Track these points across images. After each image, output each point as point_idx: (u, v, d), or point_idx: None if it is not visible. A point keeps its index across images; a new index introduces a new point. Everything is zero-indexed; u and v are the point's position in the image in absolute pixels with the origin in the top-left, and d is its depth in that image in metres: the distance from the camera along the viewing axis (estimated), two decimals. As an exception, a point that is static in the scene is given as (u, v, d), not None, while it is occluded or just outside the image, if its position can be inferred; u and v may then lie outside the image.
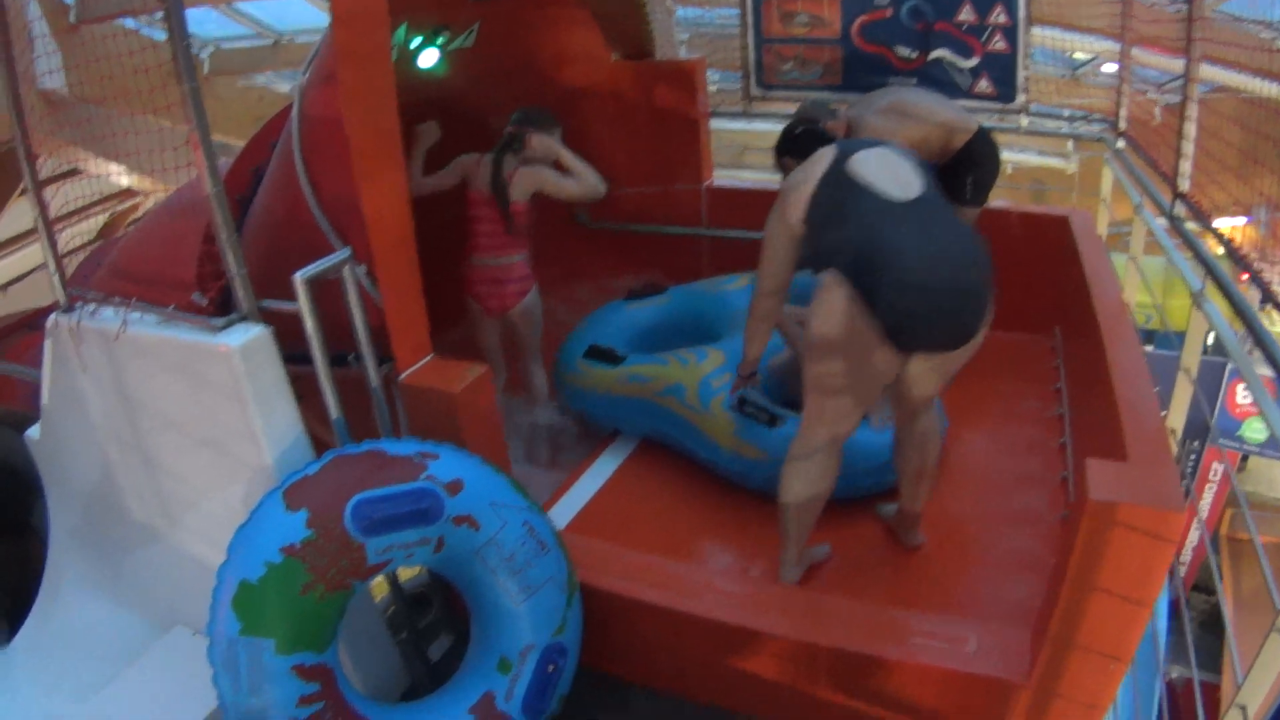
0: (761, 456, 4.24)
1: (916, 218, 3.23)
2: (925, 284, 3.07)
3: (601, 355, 5.01)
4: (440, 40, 5.20)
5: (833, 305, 3.18)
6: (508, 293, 4.98)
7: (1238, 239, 3.69)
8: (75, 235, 4.19)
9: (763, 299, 3.76)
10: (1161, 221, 4.60)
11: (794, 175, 3.54)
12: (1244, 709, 2.46)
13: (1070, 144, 9.98)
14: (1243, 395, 9.87)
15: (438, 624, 4.02)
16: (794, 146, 3.87)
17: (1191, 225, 4.20)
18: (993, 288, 3.24)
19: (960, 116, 4.96)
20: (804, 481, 3.53)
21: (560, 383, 5.21)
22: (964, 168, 4.87)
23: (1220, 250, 3.83)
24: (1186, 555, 10.13)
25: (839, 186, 3.34)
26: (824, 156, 3.45)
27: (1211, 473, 10.17)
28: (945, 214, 3.34)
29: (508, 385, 5.38)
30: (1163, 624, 4.76)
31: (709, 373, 4.59)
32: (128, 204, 8.02)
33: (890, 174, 3.35)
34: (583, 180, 4.93)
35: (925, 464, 3.71)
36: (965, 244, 3.23)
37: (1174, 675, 8.35)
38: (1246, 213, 3.76)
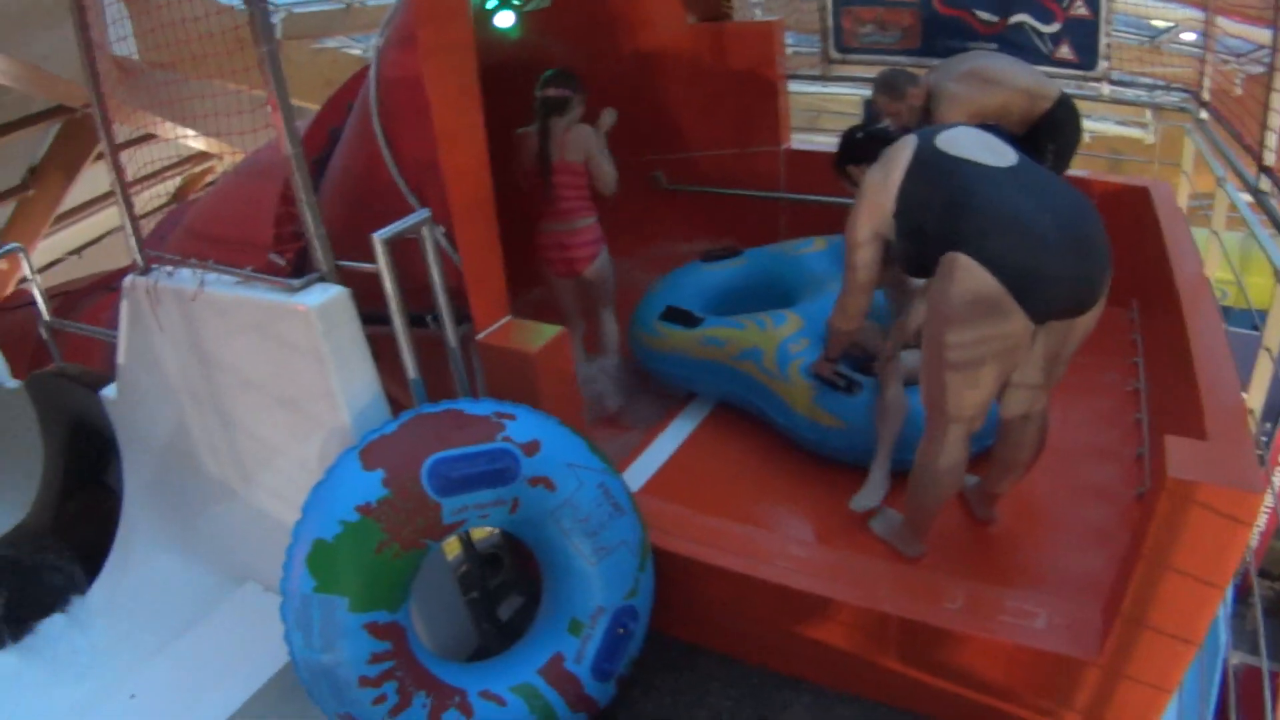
0: (839, 424, 4.21)
1: (1021, 181, 3.13)
2: (1046, 238, 2.96)
3: (678, 317, 4.99)
4: (517, 1, 5.19)
5: (959, 278, 3.05)
6: (577, 257, 5.00)
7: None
8: (151, 198, 4.24)
9: (851, 294, 3.71)
10: (1245, 196, 4.50)
11: (872, 173, 3.44)
12: None
13: (1149, 113, 9.79)
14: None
15: (509, 584, 4.05)
16: (859, 153, 3.73)
17: (1277, 201, 4.10)
18: (1108, 245, 3.12)
19: (1042, 82, 4.87)
20: (940, 454, 3.41)
21: (636, 343, 5.20)
22: (1045, 135, 4.78)
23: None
24: (1254, 539, 9.94)
25: (933, 168, 3.25)
26: (905, 145, 3.36)
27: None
28: (1047, 175, 3.25)
29: (585, 344, 5.41)
30: (1226, 609, 4.69)
31: (787, 337, 4.55)
32: (202, 167, 8.13)
33: (982, 145, 3.27)
34: (608, 170, 4.97)
35: (1023, 458, 3.64)
36: (1076, 200, 3.13)
37: (1235, 661, 8.22)
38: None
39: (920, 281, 3.67)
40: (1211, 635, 3.99)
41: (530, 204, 4.98)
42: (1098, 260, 3.06)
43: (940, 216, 3.15)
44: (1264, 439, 9.76)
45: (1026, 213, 3.00)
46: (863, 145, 3.72)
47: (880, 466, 4.04)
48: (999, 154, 3.23)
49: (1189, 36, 6.51)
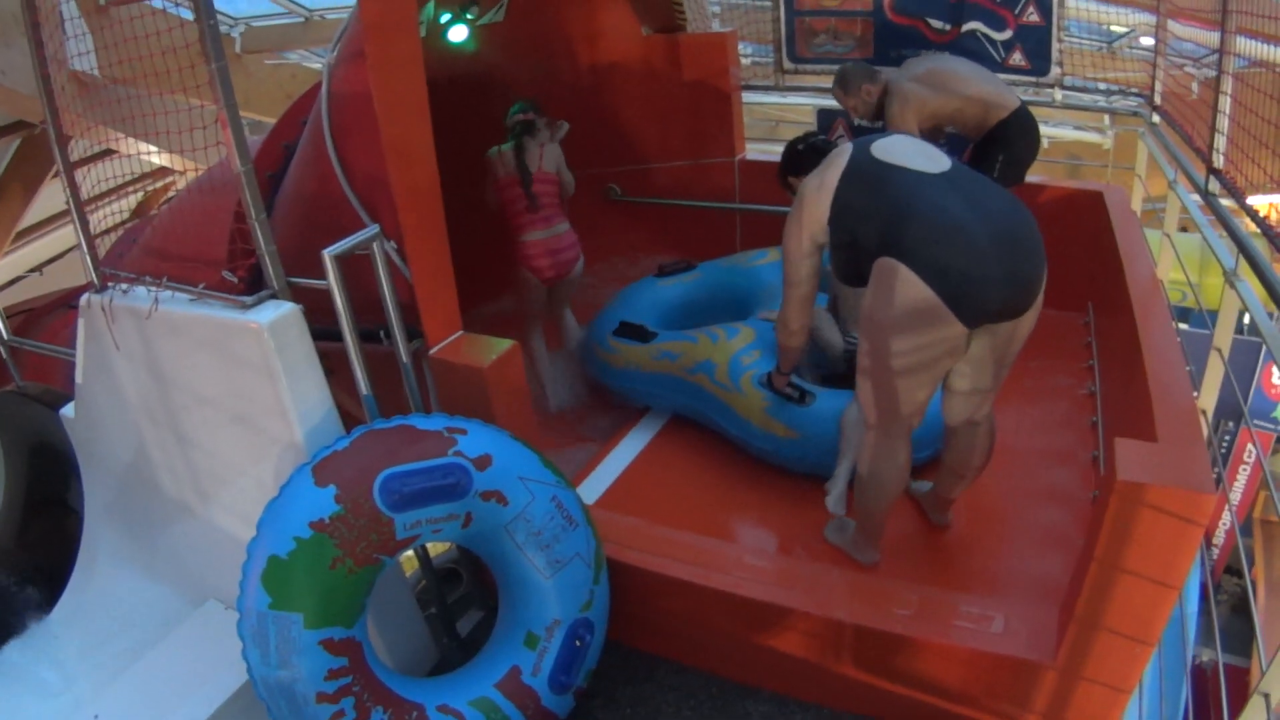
0: (793, 435, 4.23)
1: (955, 185, 3.14)
2: (977, 243, 2.98)
3: (632, 332, 5.02)
4: (470, 15, 5.21)
5: (892, 284, 3.07)
6: (565, 260, 5.21)
7: (1275, 217, 3.62)
8: (110, 214, 4.22)
9: (792, 309, 3.72)
10: (1196, 198, 4.54)
11: (808, 182, 3.46)
12: (1267, 696, 2.43)
13: (1107, 118, 9.88)
14: (1279, 376, 9.73)
15: (468, 599, 4.06)
16: (799, 164, 3.76)
17: (1227, 202, 4.13)
18: (1043, 247, 3.15)
19: (1001, 91, 4.90)
20: (878, 458, 3.44)
21: (591, 359, 5.23)
22: (996, 146, 4.81)
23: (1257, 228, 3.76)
24: (1220, 537, 10.03)
25: (868, 175, 3.26)
26: (840, 154, 3.38)
27: (1246, 454, 10.06)
28: (981, 180, 3.26)
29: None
30: (1192, 607, 4.72)
31: (739, 349, 4.57)
32: (161, 183, 8.09)
33: (917, 151, 3.29)
34: (570, 178, 5.35)
35: (973, 464, 3.65)
36: (1009, 204, 3.15)
37: (1204, 659, 8.29)
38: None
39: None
40: (1175, 633, 4.01)
41: (488, 220, 5.08)
42: (1031, 263, 3.08)
43: (874, 223, 3.16)
44: (1226, 439, 9.87)
45: (959, 218, 3.02)
46: (803, 156, 3.75)
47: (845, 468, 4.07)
48: (933, 160, 3.25)
49: (1147, 41, 6.57)
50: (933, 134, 4.98)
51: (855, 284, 3.32)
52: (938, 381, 3.28)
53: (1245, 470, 10.17)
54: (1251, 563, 10.07)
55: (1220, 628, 3.93)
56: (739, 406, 4.43)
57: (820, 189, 3.36)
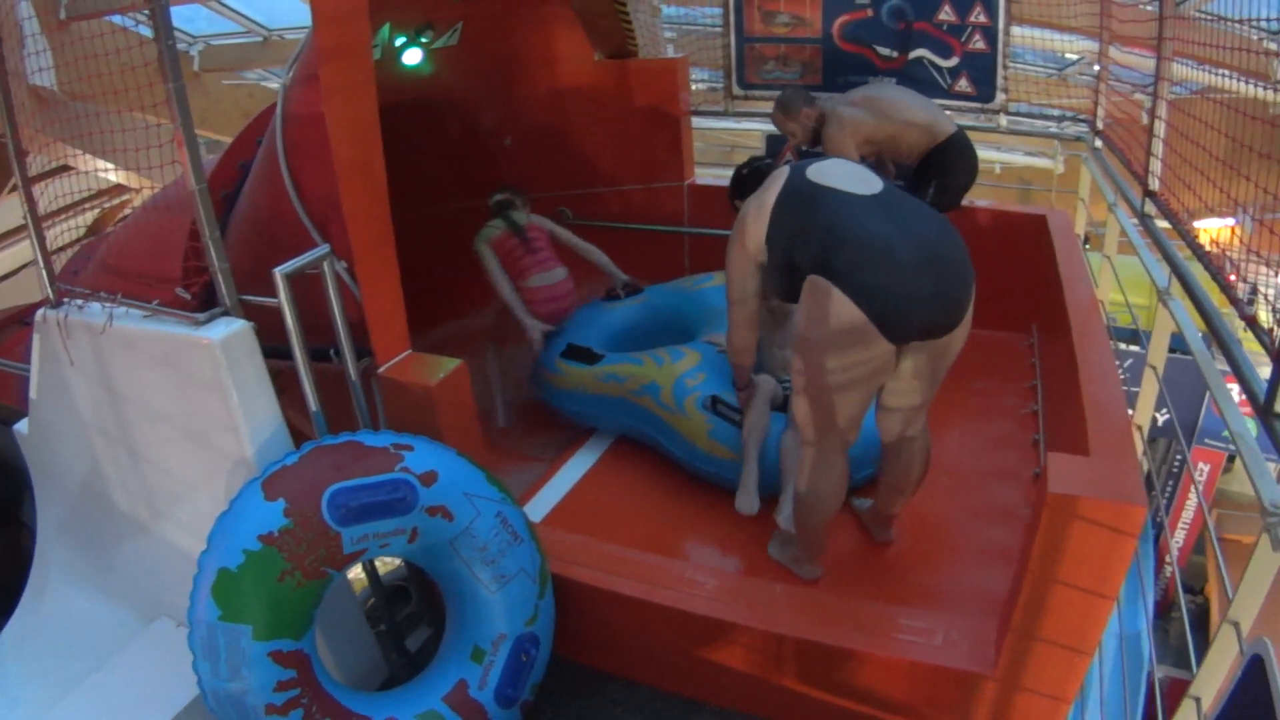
0: (734, 457, 4.29)
1: (885, 207, 3.24)
2: (905, 264, 3.06)
3: (579, 354, 5.06)
4: (424, 39, 5.26)
5: (822, 305, 3.16)
6: (564, 307, 5.47)
7: (1221, 240, 3.70)
8: (66, 231, 4.23)
9: (739, 313, 3.79)
10: (1135, 221, 4.64)
11: (747, 204, 3.57)
12: (1237, 625, 2.50)
13: (1057, 144, 10.02)
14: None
15: (417, 616, 4.08)
16: (744, 187, 3.88)
17: (1165, 225, 4.23)
18: (971, 266, 3.23)
19: (933, 120, 4.96)
20: (816, 475, 3.49)
21: (539, 381, 5.27)
22: (930, 173, 4.87)
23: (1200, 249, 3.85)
24: (1174, 555, 10.14)
25: (801, 196, 3.36)
26: (778, 177, 3.49)
27: (1198, 473, 10.19)
28: (911, 202, 3.36)
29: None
30: (1144, 622, 4.79)
31: (684, 372, 4.62)
32: (118, 200, 8.06)
33: (849, 174, 3.39)
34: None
35: (910, 478, 3.73)
36: (937, 224, 3.25)
37: (1160, 675, 8.36)
38: (1232, 214, 3.77)
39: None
40: (1134, 649, 4.09)
41: (442, 244, 5.15)
42: (958, 283, 3.17)
43: (807, 243, 3.25)
44: (1178, 458, 10.01)
45: (887, 239, 3.10)
46: (747, 179, 3.89)
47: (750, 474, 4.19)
48: (865, 183, 3.35)
49: (1097, 68, 6.68)
50: (877, 162, 5.04)
51: (793, 300, 3.39)
52: (871, 396, 3.36)
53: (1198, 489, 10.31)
54: (1205, 580, 10.21)
55: (1174, 645, 4.00)
56: (683, 428, 4.49)
57: (759, 211, 3.46)
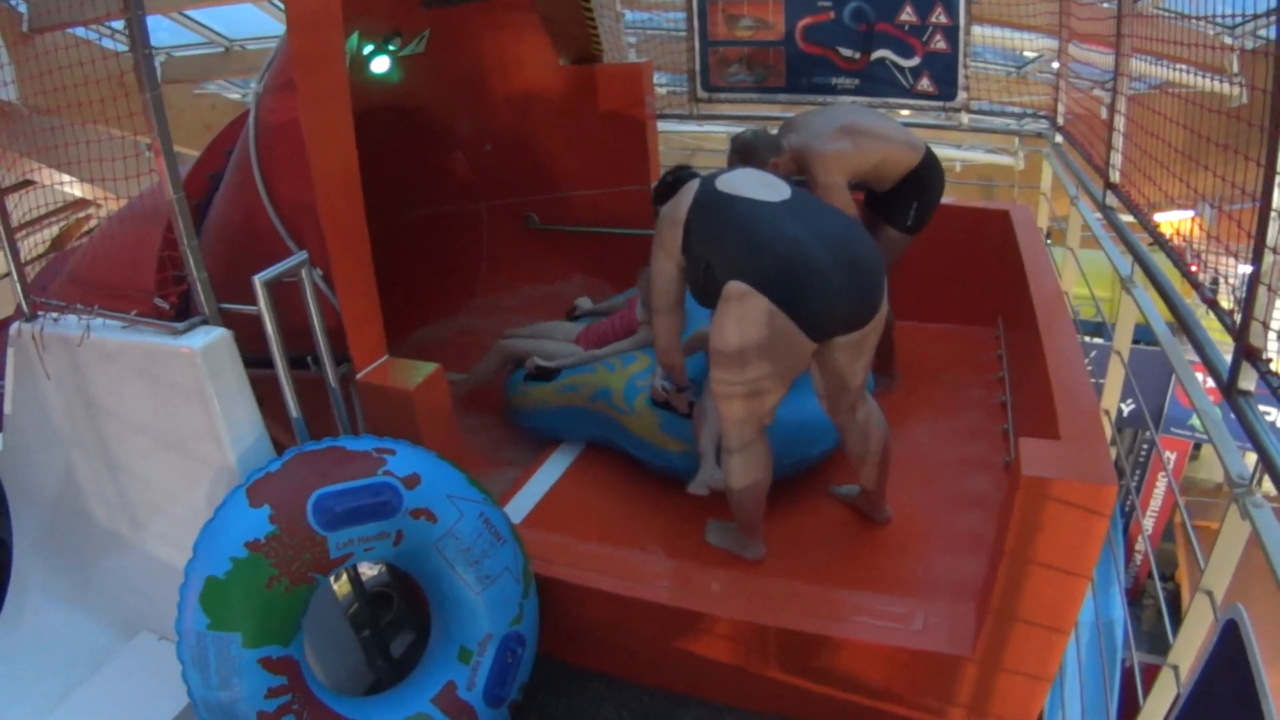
0: (683, 448, 4.35)
1: (795, 212, 3.42)
2: (822, 266, 3.22)
3: (539, 374, 5.12)
4: (392, 46, 5.27)
5: (740, 310, 3.28)
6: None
7: (1183, 231, 3.77)
8: (32, 246, 4.21)
9: (662, 316, 3.89)
10: (1097, 214, 4.71)
11: (665, 210, 3.69)
12: (1211, 594, 2.56)
13: (1017, 141, 10.11)
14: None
15: (400, 621, 4.09)
16: (664, 195, 3.97)
17: (1128, 217, 4.30)
18: (881, 262, 3.41)
19: (911, 138, 4.83)
20: (747, 469, 3.60)
21: (508, 407, 5.33)
22: (911, 192, 4.77)
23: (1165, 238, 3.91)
24: (1145, 545, 10.24)
25: (712, 206, 3.51)
26: (689, 188, 3.62)
27: (1166, 461, 10.29)
28: (820, 205, 3.55)
29: None
30: (1119, 611, 4.86)
31: (635, 374, 4.68)
32: (81, 214, 7.99)
33: (758, 182, 3.56)
34: None
35: (872, 449, 3.78)
36: (847, 226, 3.44)
37: (1137, 661, 8.43)
38: (1191, 206, 3.82)
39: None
40: (1109, 635, 4.15)
41: (417, 250, 5.14)
42: (871, 280, 3.35)
43: (722, 250, 3.40)
44: (1145, 447, 10.12)
45: (800, 242, 3.27)
46: (669, 188, 3.97)
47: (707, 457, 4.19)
48: (774, 189, 3.52)
49: (1057, 65, 6.76)
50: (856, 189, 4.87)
51: (710, 304, 3.51)
52: (787, 384, 3.48)
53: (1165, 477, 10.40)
54: (1176, 566, 10.32)
55: (1147, 631, 4.07)
56: (634, 427, 4.54)
57: (674, 219, 3.60)
